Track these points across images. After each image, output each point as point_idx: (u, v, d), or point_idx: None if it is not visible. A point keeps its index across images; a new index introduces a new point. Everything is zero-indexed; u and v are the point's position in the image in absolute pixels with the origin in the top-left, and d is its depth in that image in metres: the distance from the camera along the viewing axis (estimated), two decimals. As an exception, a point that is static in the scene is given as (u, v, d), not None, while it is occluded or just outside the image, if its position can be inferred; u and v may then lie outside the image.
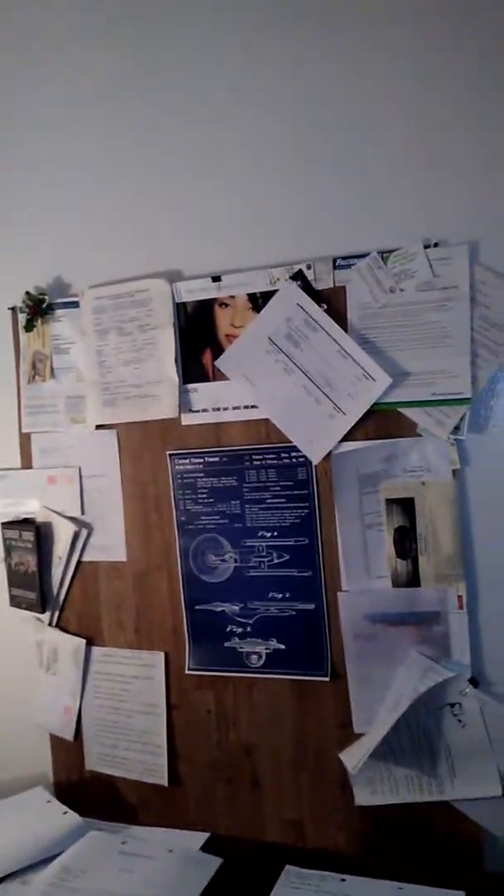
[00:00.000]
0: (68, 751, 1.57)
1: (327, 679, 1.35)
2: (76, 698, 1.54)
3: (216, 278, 1.38)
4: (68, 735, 1.56)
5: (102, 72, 1.47)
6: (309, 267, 1.32)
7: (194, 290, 1.40)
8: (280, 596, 1.38)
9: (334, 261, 1.30)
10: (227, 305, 1.38)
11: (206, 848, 1.28)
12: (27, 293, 1.53)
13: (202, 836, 1.32)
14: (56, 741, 1.59)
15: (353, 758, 1.30)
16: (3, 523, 1.59)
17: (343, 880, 1.13)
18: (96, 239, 1.50)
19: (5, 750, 1.64)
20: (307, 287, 1.32)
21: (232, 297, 1.38)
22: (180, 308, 1.41)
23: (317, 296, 1.31)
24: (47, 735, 1.60)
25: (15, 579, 1.59)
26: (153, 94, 1.43)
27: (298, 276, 1.32)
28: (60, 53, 1.50)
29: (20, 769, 1.60)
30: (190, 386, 1.41)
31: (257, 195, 1.37)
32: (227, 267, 1.38)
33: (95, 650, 1.53)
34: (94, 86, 1.48)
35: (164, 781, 1.47)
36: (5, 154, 1.57)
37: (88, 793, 1.54)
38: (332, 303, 1.31)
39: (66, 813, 1.35)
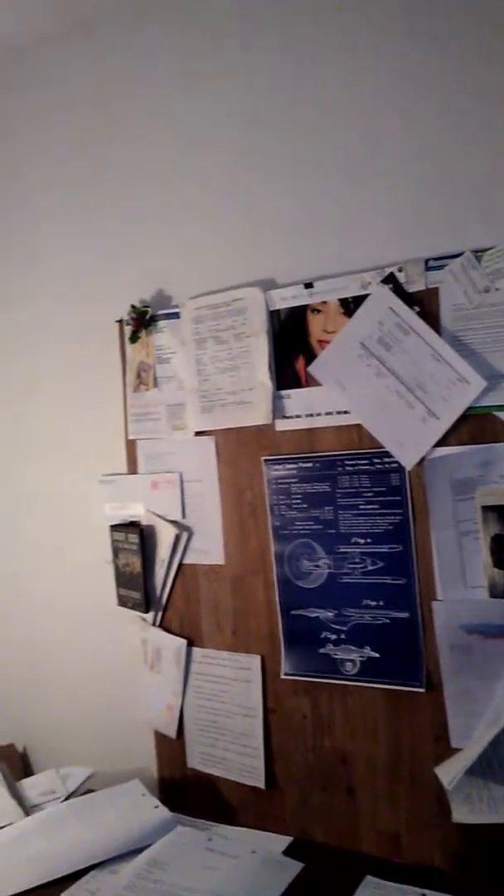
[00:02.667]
0: (171, 748, 1.62)
1: (423, 690, 1.31)
2: (178, 697, 1.59)
3: (308, 285, 1.39)
4: (171, 732, 1.61)
5: (200, 92, 1.52)
6: (400, 269, 1.30)
7: (287, 298, 1.42)
8: (374, 603, 1.36)
9: (426, 262, 1.28)
10: (319, 311, 1.39)
11: (289, 852, 1.28)
12: (132, 306, 1.61)
13: (286, 840, 1.32)
14: (160, 738, 1.64)
15: (448, 773, 1.26)
16: (111, 526, 1.67)
17: (423, 894, 1.09)
18: (195, 252, 1.55)
19: (112, 744, 1.72)
20: (399, 290, 1.30)
21: (324, 302, 1.38)
22: (274, 315, 1.43)
23: (409, 298, 1.29)
24: (152, 732, 1.65)
25: (122, 579, 1.66)
26: (245, 109, 1.47)
27: (390, 280, 1.31)
28: (159, 71, 1.57)
29: (126, 764, 1.66)
30: (283, 392, 1.43)
31: (347, 201, 1.36)
32: (319, 273, 1.38)
33: (196, 651, 1.57)
34: (189, 106, 1.54)
35: (262, 784, 1.49)
36: (110, 177, 1.66)
37: (190, 790, 1.59)
38: (425, 305, 1.28)
39: (157, 807, 1.40)
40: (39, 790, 1.54)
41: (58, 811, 1.42)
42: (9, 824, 1.39)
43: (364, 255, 1.34)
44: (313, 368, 1.39)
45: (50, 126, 1.75)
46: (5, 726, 1.94)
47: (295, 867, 1.20)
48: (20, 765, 1.79)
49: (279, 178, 1.43)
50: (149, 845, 1.29)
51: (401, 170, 1.31)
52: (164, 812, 1.39)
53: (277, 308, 1.43)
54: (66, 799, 1.50)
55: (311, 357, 1.40)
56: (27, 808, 1.47)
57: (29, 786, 1.57)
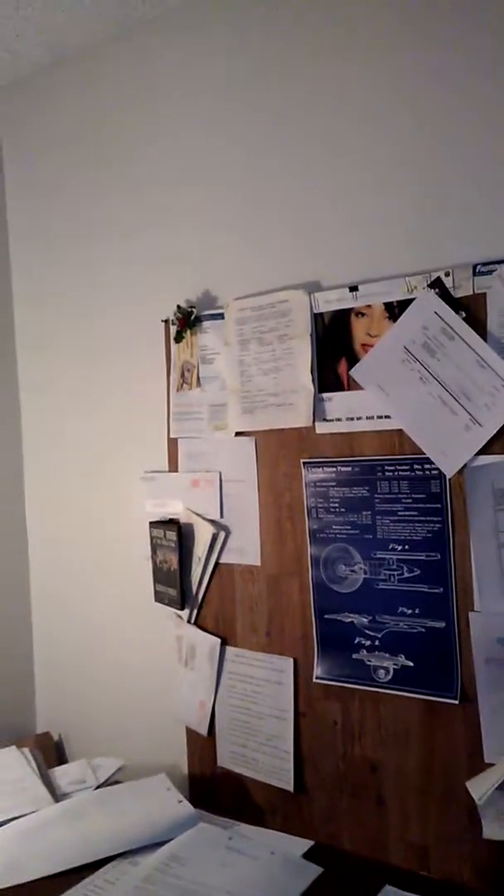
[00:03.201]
0: (202, 745, 1.63)
1: (456, 702, 1.29)
2: (211, 695, 1.60)
3: (353, 288, 1.38)
4: (203, 730, 1.61)
5: (245, 98, 1.53)
6: (448, 274, 1.28)
7: (331, 301, 1.41)
8: (409, 611, 1.35)
9: (474, 267, 1.25)
10: (363, 315, 1.38)
11: (309, 856, 1.28)
12: (178, 306, 1.62)
13: (307, 844, 1.32)
14: (192, 735, 1.65)
15: (480, 788, 1.23)
16: (150, 522, 1.68)
17: None
18: (241, 254, 1.55)
19: (146, 738, 1.74)
20: (445, 295, 1.28)
21: (368, 306, 1.37)
22: (318, 318, 1.43)
23: (455, 304, 1.27)
24: (184, 728, 1.66)
25: (159, 576, 1.68)
26: (289, 113, 1.47)
27: (437, 284, 1.29)
28: (201, 80, 1.58)
29: (157, 758, 1.68)
30: (325, 395, 1.42)
31: (395, 204, 1.35)
32: (365, 277, 1.37)
33: (229, 650, 1.58)
34: (234, 113, 1.54)
35: (290, 787, 1.48)
36: (159, 183, 1.68)
37: (219, 789, 1.59)
38: (472, 311, 1.26)
39: (181, 802, 1.41)
40: (70, 779, 1.57)
41: (83, 800, 1.45)
42: (37, 811, 1.42)
43: (410, 259, 1.33)
44: (356, 372, 1.38)
45: (98, 138, 1.78)
46: (43, 715, 1.99)
47: (314, 871, 1.19)
48: (55, 753, 1.82)
49: (326, 181, 1.43)
50: (170, 840, 1.30)
51: (449, 173, 1.29)
52: (187, 808, 1.39)
53: (321, 311, 1.42)
54: (95, 789, 1.53)
55: (353, 361, 1.39)
56: (57, 796, 1.49)
57: (60, 774, 1.59)
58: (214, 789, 1.60)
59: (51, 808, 1.41)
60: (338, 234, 1.42)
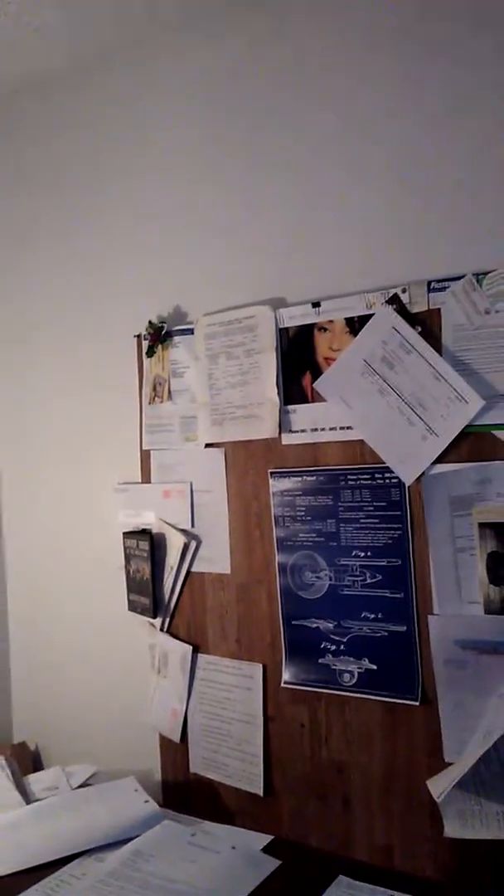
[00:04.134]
0: (175, 752, 1.66)
1: (417, 703, 1.33)
2: (183, 702, 1.63)
3: (316, 304, 1.43)
4: (175, 737, 1.65)
5: (213, 122, 1.59)
6: (404, 290, 1.34)
7: (296, 316, 1.46)
8: (372, 616, 1.39)
9: (429, 284, 1.31)
10: (326, 330, 1.43)
11: (267, 849, 1.32)
12: (149, 322, 1.67)
13: (266, 838, 1.36)
14: (164, 741, 1.68)
15: (439, 786, 1.27)
16: (123, 533, 1.72)
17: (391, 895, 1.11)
18: (210, 272, 1.61)
19: (120, 745, 1.76)
20: (402, 310, 1.34)
21: (331, 321, 1.42)
22: (283, 333, 1.48)
23: (412, 319, 1.33)
24: (157, 735, 1.69)
25: (132, 585, 1.71)
26: (255, 137, 1.53)
27: (394, 300, 1.35)
28: (169, 110, 1.64)
29: (132, 765, 1.70)
30: (290, 407, 1.47)
31: (354, 222, 1.41)
32: (327, 293, 1.43)
33: (201, 657, 1.61)
34: (202, 133, 1.60)
35: (260, 791, 1.51)
36: (130, 201, 1.74)
37: (192, 794, 1.62)
38: (427, 325, 1.32)
39: (147, 802, 1.45)
40: (44, 785, 1.60)
41: (52, 802, 1.49)
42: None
43: (370, 276, 1.38)
44: (319, 385, 1.43)
45: (71, 157, 1.83)
46: (20, 725, 2.01)
47: (271, 864, 1.24)
48: (31, 762, 1.84)
49: (289, 201, 1.49)
50: (135, 837, 1.34)
51: (406, 193, 1.35)
52: (152, 806, 1.44)
53: (286, 326, 1.47)
54: (69, 795, 1.56)
55: (317, 374, 1.44)
56: (30, 801, 1.52)
57: (34, 780, 1.62)
58: (187, 794, 1.63)
59: (21, 809, 1.44)
60: (301, 251, 1.48)
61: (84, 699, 1.87)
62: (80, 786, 1.60)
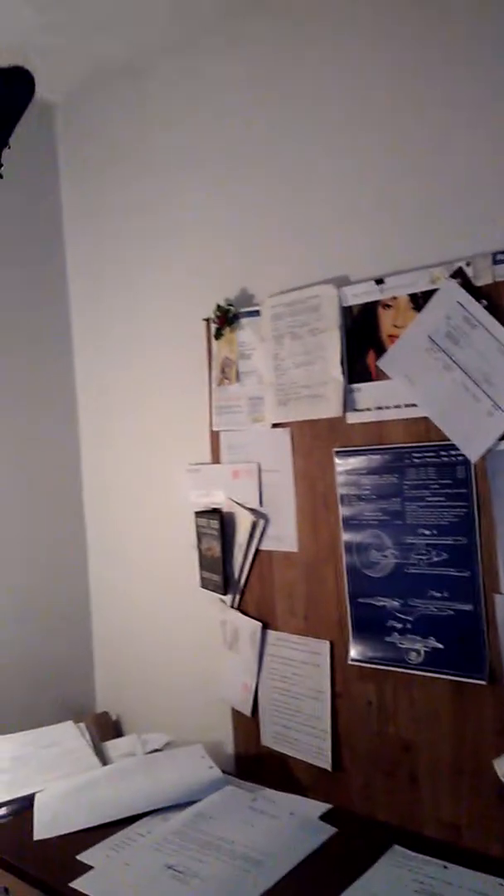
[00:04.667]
0: (247, 725, 1.70)
1: (485, 682, 1.32)
2: (253, 677, 1.67)
3: (379, 281, 1.42)
4: (246, 711, 1.69)
5: (276, 98, 1.59)
6: (468, 264, 1.31)
7: (359, 294, 1.46)
8: (439, 595, 1.38)
9: (494, 256, 1.28)
10: (389, 307, 1.42)
11: (325, 817, 1.35)
12: (217, 305, 1.70)
13: (325, 807, 1.39)
14: (236, 715, 1.72)
15: (505, 766, 1.26)
16: (195, 512, 1.77)
17: (445, 867, 1.11)
18: (275, 253, 1.62)
19: (195, 717, 1.82)
20: (467, 284, 1.31)
21: (394, 298, 1.41)
22: (346, 311, 1.48)
23: (477, 292, 1.30)
24: (229, 709, 1.74)
25: (204, 563, 1.76)
26: (315, 115, 1.53)
27: (458, 274, 1.32)
28: (232, 85, 1.65)
29: (205, 736, 1.75)
30: (354, 386, 1.47)
31: (416, 197, 1.39)
32: (390, 269, 1.42)
33: (270, 634, 1.64)
34: (264, 115, 1.61)
35: (328, 766, 1.53)
36: (197, 193, 1.77)
37: (264, 766, 1.66)
38: (493, 299, 1.29)
39: (211, 768, 1.50)
40: (120, 751, 1.67)
41: (124, 764, 1.56)
42: (86, 775, 1.54)
43: (433, 251, 1.36)
44: (383, 363, 1.42)
45: (145, 150, 1.88)
46: (102, 695, 2.10)
47: (328, 831, 1.27)
48: (112, 731, 1.93)
49: (348, 179, 1.48)
50: (199, 800, 1.40)
51: (468, 164, 1.32)
52: (216, 772, 1.50)
53: (350, 304, 1.47)
54: (140, 759, 1.63)
55: (381, 351, 1.43)
56: (106, 765, 1.60)
57: (112, 746, 1.70)
58: (259, 766, 1.67)
59: (96, 771, 1.52)
60: (363, 229, 1.47)
61: (161, 673, 1.94)
62: (154, 752, 1.67)
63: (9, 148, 0.52)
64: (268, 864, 1.20)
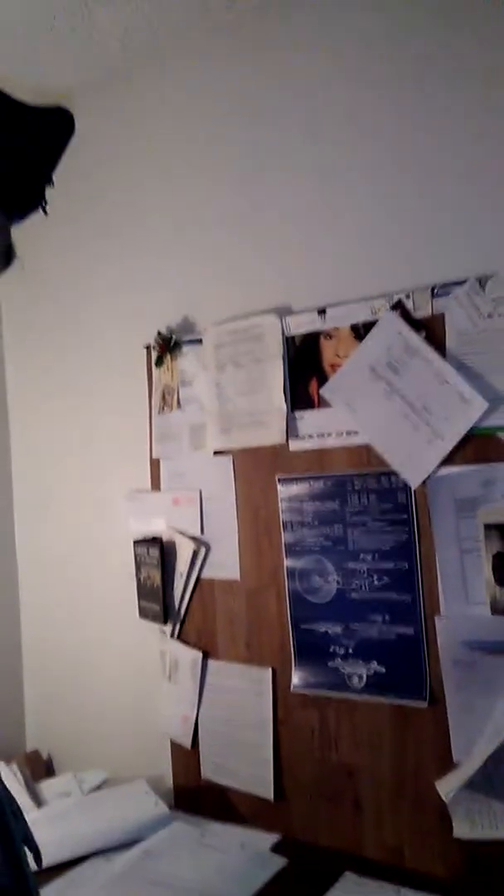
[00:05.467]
0: (186, 757, 1.66)
1: (426, 705, 1.34)
2: (193, 708, 1.64)
3: (321, 311, 1.46)
4: (186, 743, 1.65)
5: (225, 130, 1.63)
6: (408, 296, 1.36)
7: (302, 324, 1.49)
8: (380, 619, 1.40)
9: (433, 289, 1.34)
10: (331, 337, 1.46)
11: (276, 848, 1.33)
12: (158, 332, 1.70)
13: (274, 837, 1.38)
14: (176, 748, 1.69)
15: (447, 786, 1.28)
16: (134, 541, 1.74)
17: (398, 892, 1.12)
18: (217, 282, 1.64)
19: (132, 751, 1.77)
20: (406, 316, 1.36)
21: (336, 328, 1.45)
22: (289, 341, 1.51)
23: (416, 324, 1.35)
24: (168, 742, 1.70)
25: (143, 592, 1.73)
26: (262, 148, 1.57)
27: (398, 306, 1.37)
28: (188, 117, 1.68)
29: (144, 771, 1.71)
30: (297, 413, 1.50)
31: (357, 230, 1.44)
32: (332, 300, 1.46)
33: (211, 663, 1.62)
34: (207, 144, 1.65)
35: (270, 796, 1.52)
36: (133, 211, 1.78)
37: (204, 798, 1.63)
38: (432, 330, 1.34)
39: (156, 804, 1.46)
40: (56, 790, 1.61)
41: (65, 805, 1.50)
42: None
43: (375, 283, 1.41)
44: (325, 391, 1.46)
45: (87, 171, 1.88)
46: (32, 733, 2.02)
47: (279, 862, 1.26)
48: (44, 770, 1.85)
49: (293, 208, 1.52)
50: (145, 838, 1.35)
51: (407, 200, 1.38)
52: (162, 808, 1.46)
53: (293, 334, 1.50)
54: (81, 800, 1.57)
55: (323, 380, 1.46)
56: (41, 807, 1.53)
57: (47, 786, 1.64)
58: (198, 799, 1.63)
59: (33, 813, 1.45)
60: (306, 260, 1.51)
61: (96, 706, 1.88)
62: (92, 791, 1.61)
63: (52, 186, 0.53)
64: None
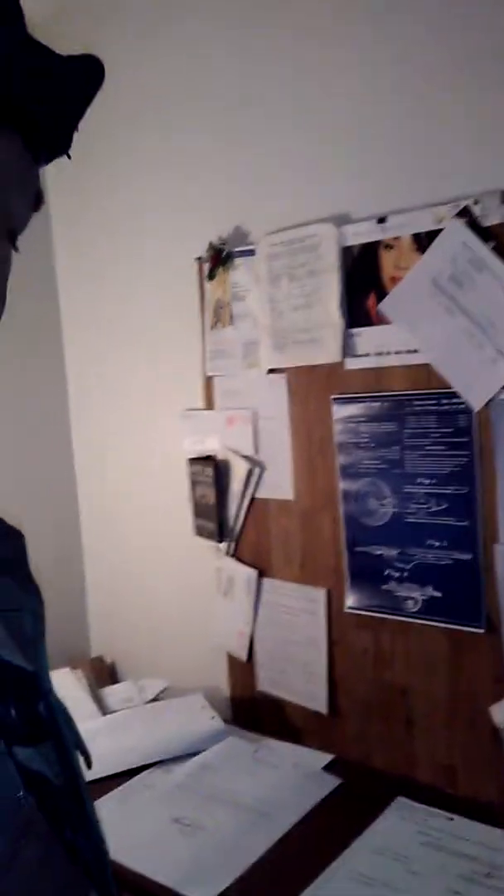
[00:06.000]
0: (242, 670, 1.71)
1: (483, 631, 1.32)
2: (249, 624, 1.67)
3: (381, 220, 1.36)
4: (242, 656, 1.69)
5: (272, 30, 1.48)
6: (476, 202, 1.24)
7: (360, 233, 1.39)
8: (437, 544, 1.36)
9: (503, 194, 1.22)
10: (392, 247, 1.36)
11: (329, 768, 1.36)
12: (210, 244, 1.62)
13: (327, 757, 1.40)
14: (232, 660, 1.73)
15: (502, 712, 1.27)
16: (189, 459, 1.73)
17: (451, 819, 1.13)
18: (271, 188, 1.54)
19: (190, 662, 1.83)
20: (473, 224, 1.25)
21: (397, 238, 1.35)
22: (346, 252, 1.41)
23: (484, 233, 1.24)
24: (225, 654, 1.74)
25: (198, 510, 1.73)
26: (315, 43, 1.42)
27: (465, 213, 1.26)
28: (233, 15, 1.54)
29: (201, 681, 1.77)
30: (354, 330, 1.42)
31: (423, 131, 1.31)
32: (393, 207, 1.35)
33: (266, 581, 1.63)
34: (260, 42, 1.51)
35: (324, 710, 1.55)
36: (188, 118, 1.67)
37: (260, 711, 1.67)
38: (501, 240, 1.23)
39: (213, 718, 1.51)
40: (118, 697, 1.68)
41: (125, 715, 1.57)
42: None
43: (439, 188, 1.29)
44: (384, 306, 1.37)
45: (136, 82, 1.76)
46: (97, 641, 2.11)
47: (332, 782, 1.28)
48: (108, 676, 1.94)
49: (353, 111, 1.39)
50: (201, 751, 1.41)
51: (478, 99, 1.24)
52: (218, 723, 1.51)
53: (350, 244, 1.40)
54: (141, 707, 1.64)
55: (382, 294, 1.37)
56: (105, 713, 1.61)
57: (109, 693, 1.71)
58: (255, 710, 1.68)
59: (96, 722, 1.53)
60: (366, 164, 1.39)
61: (156, 618, 1.94)
62: (152, 699, 1.68)
63: (77, 132, 0.54)
64: (274, 816, 1.21)
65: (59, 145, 0.55)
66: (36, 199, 0.55)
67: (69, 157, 0.56)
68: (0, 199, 0.49)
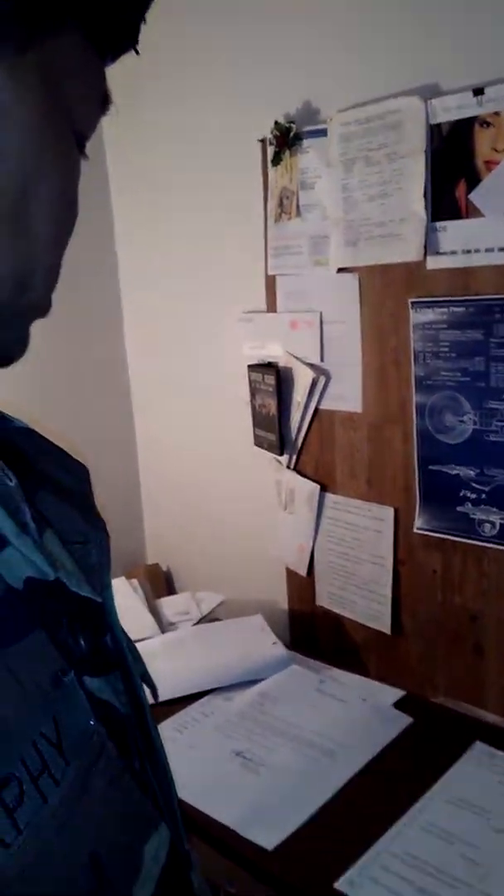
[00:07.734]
0: (301, 585, 1.65)
1: None
2: (310, 539, 1.60)
3: (478, 91, 1.16)
4: (302, 571, 1.64)
5: None
6: None
7: (451, 108, 1.20)
8: (522, 466, 1.25)
9: None
10: (490, 125, 1.17)
11: (399, 705, 1.29)
12: (275, 123, 1.44)
13: (398, 693, 1.33)
14: (291, 574, 1.68)
15: None
16: (249, 366, 1.62)
17: None
18: (346, 56, 1.34)
19: (247, 575, 1.79)
20: None
21: (496, 113, 1.16)
22: (434, 130, 1.23)
23: None
24: (284, 568, 1.69)
25: (258, 420, 1.64)
26: None
27: None
28: None
29: (259, 595, 1.73)
30: (438, 224, 1.25)
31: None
32: (493, 77, 1.15)
33: (329, 496, 1.55)
34: None
35: (387, 629, 1.49)
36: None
37: (318, 628, 1.63)
38: None
39: (274, 643, 1.46)
40: (175, 609, 1.66)
41: (183, 635, 1.53)
42: (146, 638, 1.51)
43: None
44: (476, 195, 1.20)
45: None
46: (153, 547, 2.08)
47: (403, 721, 1.21)
48: (164, 584, 1.92)
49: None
50: (263, 679, 1.36)
51: None
52: (280, 649, 1.45)
53: (439, 121, 1.22)
54: (198, 621, 1.61)
55: (475, 182, 1.20)
56: (163, 625, 1.59)
57: (166, 604, 1.69)
58: (313, 627, 1.64)
59: (152, 641, 1.50)
60: (459, 25, 1.18)
61: (212, 528, 1.89)
62: (209, 612, 1.65)
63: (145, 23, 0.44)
64: (341, 755, 1.15)
65: (125, 38, 0.49)
66: (103, 100, 0.49)
67: (137, 52, 0.50)
68: (62, 98, 0.44)
